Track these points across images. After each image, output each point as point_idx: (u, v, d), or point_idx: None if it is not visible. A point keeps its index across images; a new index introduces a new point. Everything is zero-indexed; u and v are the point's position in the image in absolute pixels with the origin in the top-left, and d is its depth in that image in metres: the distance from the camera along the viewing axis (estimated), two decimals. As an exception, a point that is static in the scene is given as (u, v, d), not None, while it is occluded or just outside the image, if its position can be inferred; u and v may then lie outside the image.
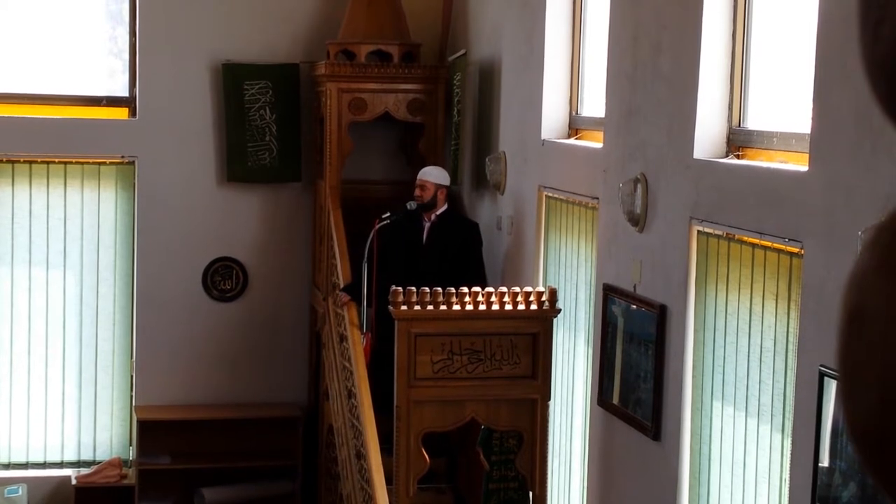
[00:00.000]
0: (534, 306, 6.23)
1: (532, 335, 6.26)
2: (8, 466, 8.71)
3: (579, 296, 6.62)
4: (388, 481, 6.43)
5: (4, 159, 8.53)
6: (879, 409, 0.85)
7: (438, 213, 7.54)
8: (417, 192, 7.52)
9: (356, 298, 7.33)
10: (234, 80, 8.65)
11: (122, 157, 8.68)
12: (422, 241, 7.51)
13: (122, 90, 8.79)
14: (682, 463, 5.39)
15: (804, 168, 4.50)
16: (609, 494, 6.13)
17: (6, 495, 8.29)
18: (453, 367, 6.20)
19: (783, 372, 4.67)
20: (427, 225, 7.53)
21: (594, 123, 6.69)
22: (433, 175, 7.59)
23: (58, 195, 8.63)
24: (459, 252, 7.44)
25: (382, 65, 8.28)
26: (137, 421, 8.56)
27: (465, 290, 6.20)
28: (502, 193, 7.65)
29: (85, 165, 8.65)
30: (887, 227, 0.92)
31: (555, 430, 6.75)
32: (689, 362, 5.35)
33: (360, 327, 7.27)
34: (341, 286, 7.65)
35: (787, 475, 4.59)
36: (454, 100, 8.24)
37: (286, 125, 8.73)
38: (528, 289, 6.32)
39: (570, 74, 7.08)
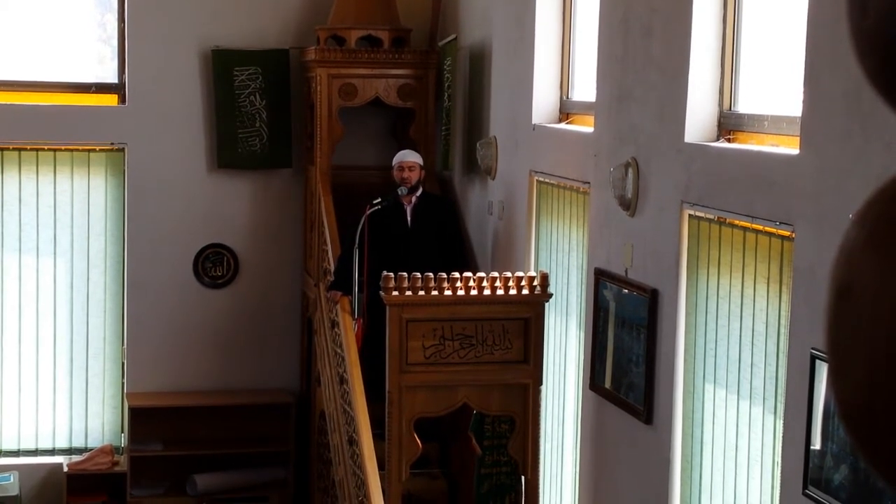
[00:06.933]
0: (525, 291, 6.23)
1: (524, 320, 6.26)
2: (-1, 454, 8.71)
3: (571, 280, 6.62)
4: (381, 467, 6.43)
5: (-6, 146, 8.51)
6: (867, 384, 0.84)
7: (418, 194, 7.57)
8: (406, 173, 7.51)
9: (346, 287, 7.31)
10: (223, 66, 8.61)
11: (112, 143, 8.65)
12: (407, 224, 7.53)
13: (111, 77, 8.76)
14: (675, 446, 5.39)
15: (795, 151, 4.49)
16: (601, 478, 6.13)
17: (-2, 483, 8.28)
18: (445, 352, 6.20)
19: (775, 355, 4.67)
20: (409, 208, 7.55)
21: (585, 108, 6.67)
22: (415, 156, 7.65)
23: (47, 182, 8.60)
24: (442, 231, 7.50)
25: (372, 50, 8.26)
26: (129, 408, 8.55)
27: (457, 275, 6.20)
28: (493, 178, 7.64)
29: (74, 152, 8.62)
30: (874, 204, 0.91)
31: (547, 414, 6.75)
32: (681, 346, 5.34)
33: (352, 313, 7.26)
34: (328, 286, 7.62)
35: (779, 458, 4.59)
36: (445, 85, 8.23)
37: (276, 111, 8.71)
38: (520, 273, 6.32)
39: (560, 59, 7.06)
